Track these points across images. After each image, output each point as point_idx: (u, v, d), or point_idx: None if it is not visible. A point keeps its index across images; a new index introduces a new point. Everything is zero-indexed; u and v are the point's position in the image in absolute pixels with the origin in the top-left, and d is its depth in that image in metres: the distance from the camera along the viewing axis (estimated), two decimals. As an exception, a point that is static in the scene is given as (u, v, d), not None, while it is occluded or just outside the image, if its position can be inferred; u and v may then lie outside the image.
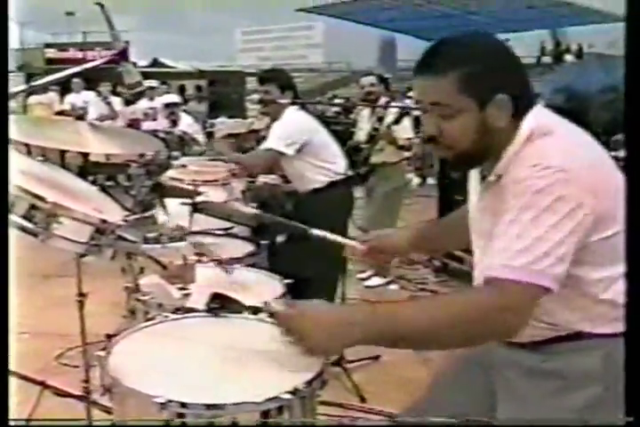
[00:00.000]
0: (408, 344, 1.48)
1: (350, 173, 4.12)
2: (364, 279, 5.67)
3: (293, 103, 3.93)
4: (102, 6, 2.04)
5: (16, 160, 1.88)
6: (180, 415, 1.40)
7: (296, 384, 1.46)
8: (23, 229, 1.63)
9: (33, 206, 1.61)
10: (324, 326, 1.41)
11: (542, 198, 1.36)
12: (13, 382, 2.70)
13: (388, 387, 3.58)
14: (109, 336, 1.82)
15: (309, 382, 1.50)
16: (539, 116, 1.51)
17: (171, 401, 1.37)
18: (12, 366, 2.56)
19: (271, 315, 1.57)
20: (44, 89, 10.71)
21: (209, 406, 1.40)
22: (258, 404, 1.41)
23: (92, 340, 2.71)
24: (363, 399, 3.47)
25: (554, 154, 1.42)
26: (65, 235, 1.64)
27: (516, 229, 1.37)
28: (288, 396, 1.43)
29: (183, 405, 1.39)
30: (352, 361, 3.77)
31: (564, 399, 1.52)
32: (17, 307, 4.30)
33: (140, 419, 1.46)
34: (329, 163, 3.96)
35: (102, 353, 1.57)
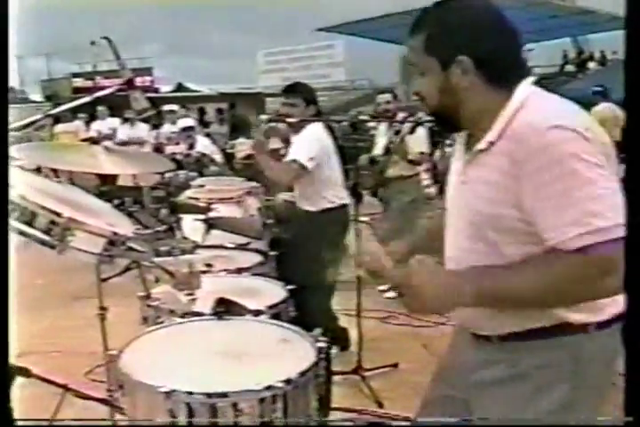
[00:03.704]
0: (507, 305, 1.52)
1: (348, 201, 4.10)
2: (384, 291, 5.74)
3: (313, 120, 3.93)
4: (109, 40, 2.22)
5: (36, 180, 2.07)
6: (187, 404, 1.55)
7: (290, 375, 1.61)
8: (42, 242, 1.79)
9: (52, 222, 1.78)
10: (439, 283, 1.46)
11: (578, 162, 1.37)
12: (37, 387, 2.82)
13: (406, 393, 3.61)
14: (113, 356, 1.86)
15: (302, 373, 1.64)
16: (531, 87, 1.54)
17: (175, 391, 1.52)
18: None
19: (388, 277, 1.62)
20: (70, 117, 11.06)
21: (211, 395, 1.55)
22: (255, 391, 1.56)
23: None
24: (380, 405, 3.52)
25: (564, 115, 1.44)
26: (79, 246, 1.81)
27: (574, 195, 1.37)
28: (282, 385, 1.57)
29: (188, 393, 1.54)
30: (370, 369, 3.87)
31: (535, 402, 1.54)
32: (49, 327, 4.50)
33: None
34: (332, 188, 4.00)
35: (115, 352, 1.73)
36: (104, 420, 2.64)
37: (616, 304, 1.50)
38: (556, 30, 29.23)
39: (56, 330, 4.62)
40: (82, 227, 1.80)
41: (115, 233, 1.86)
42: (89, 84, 23.82)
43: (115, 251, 1.84)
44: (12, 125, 1.94)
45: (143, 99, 2.31)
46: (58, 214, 1.78)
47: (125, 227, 2.02)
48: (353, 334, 4.03)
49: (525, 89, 1.52)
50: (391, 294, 5.57)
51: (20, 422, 1.97)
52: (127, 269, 5.83)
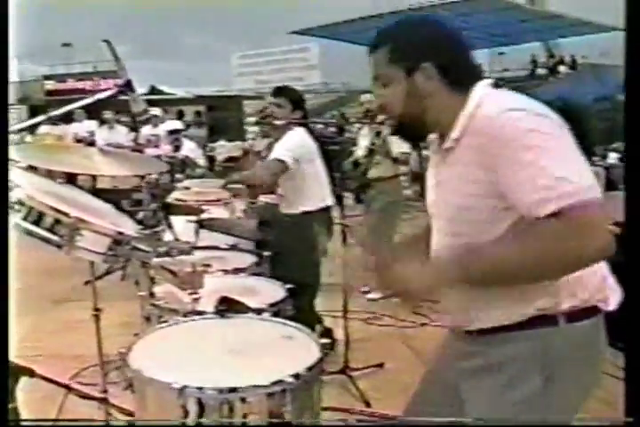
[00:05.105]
0: (495, 280, 1.54)
1: (331, 202, 4.11)
2: (366, 292, 5.79)
3: (298, 124, 3.96)
4: (109, 43, 2.24)
5: (39, 181, 2.08)
6: (198, 400, 1.58)
7: (298, 370, 1.64)
8: (48, 241, 1.81)
9: (57, 221, 1.80)
10: (424, 270, 1.54)
11: (536, 135, 1.43)
12: (39, 387, 2.83)
13: (393, 392, 3.66)
14: (123, 354, 1.88)
15: (310, 368, 1.68)
16: (487, 88, 1.62)
17: (187, 387, 1.55)
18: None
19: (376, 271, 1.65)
20: (58, 120, 10.93)
21: (221, 391, 1.58)
22: (265, 387, 1.60)
23: (104, 359, 2.84)
24: (368, 405, 3.56)
25: (518, 101, 1.54)
26: (86, 246, 1.83)
27: (534, 168, 1.40)
28: (291, 379, 1.61)
29: (199, 389, 1.57)
30: (357, 369, 3.91)
31: (509, 392, 1.59)
32: (30, 331, 4.47)
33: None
34: (316, 191, 3.99)
35: (124, 350, 1.75)
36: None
37: (589, 292, 1.57)
38: (526, 34, 29.67)
39: (38, 334, 4.59)
40: (89, 227, 1.81)
41: (120, 233, 1.88)
42: (61, 86, 23.63)
43: (119, 251, 1.86)
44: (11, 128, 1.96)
45: (141, 100, 2.33)
46: (66, 214, 1.80)
47: (128, 226, 2.05)
48: (337, 335, 4.05)
49: (481, 89, 1.61)
50: (373, 295, 5.66)
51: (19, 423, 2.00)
52: (108, 272, 5.80)
